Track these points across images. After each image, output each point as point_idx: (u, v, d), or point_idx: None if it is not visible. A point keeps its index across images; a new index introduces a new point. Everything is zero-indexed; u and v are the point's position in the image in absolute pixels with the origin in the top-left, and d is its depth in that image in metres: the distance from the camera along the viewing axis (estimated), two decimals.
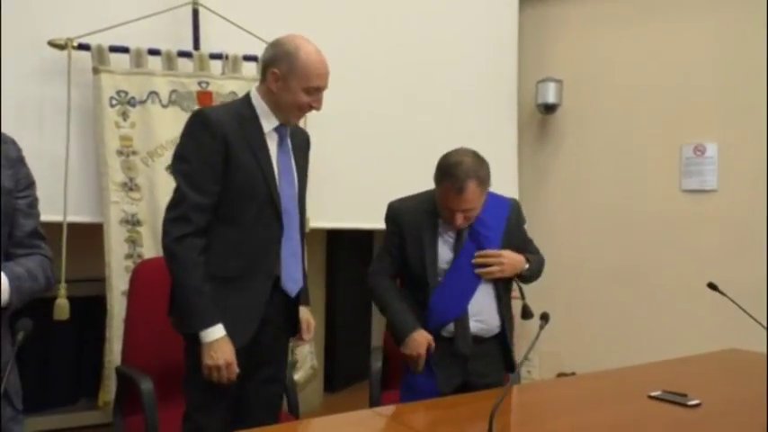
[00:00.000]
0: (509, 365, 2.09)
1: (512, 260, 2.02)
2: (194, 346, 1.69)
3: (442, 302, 1.97)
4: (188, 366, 1.77)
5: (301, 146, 1.92)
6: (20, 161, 1.40)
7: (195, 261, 1.66)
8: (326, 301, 3.93)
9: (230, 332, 1.69)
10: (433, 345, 1.93)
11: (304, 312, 1.94)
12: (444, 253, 2.00)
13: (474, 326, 1.99)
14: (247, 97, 1.80)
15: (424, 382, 1.94)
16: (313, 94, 1.74)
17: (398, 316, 1.99)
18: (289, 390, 2.32)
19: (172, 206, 1.70)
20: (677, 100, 3.59)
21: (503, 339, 2.08)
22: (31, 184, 1.42)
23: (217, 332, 1.66)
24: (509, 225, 2.09)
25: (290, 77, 1.71)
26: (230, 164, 1.69)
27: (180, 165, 1.72)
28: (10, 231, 1.35)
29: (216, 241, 1.71)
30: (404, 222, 2.02)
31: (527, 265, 2.07)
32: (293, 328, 1.93)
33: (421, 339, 1.92)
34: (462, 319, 1.97)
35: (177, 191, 1.70)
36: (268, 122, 1.77)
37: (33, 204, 1.42)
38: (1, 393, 1.11)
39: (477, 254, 1.98)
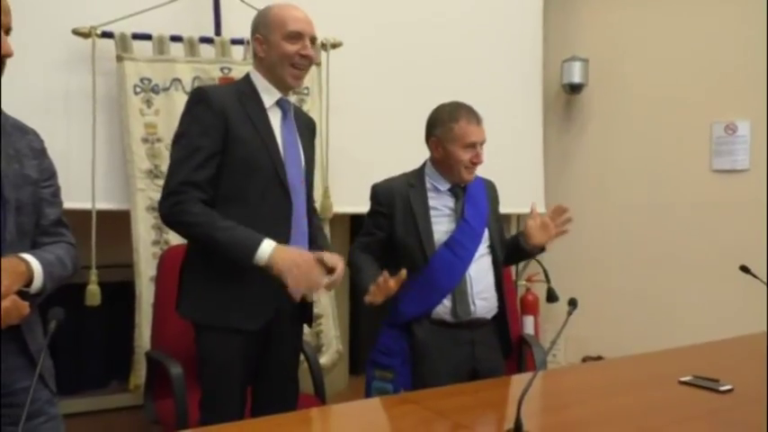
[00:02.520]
0: (506, 350, 2.08)
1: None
2: (205, 335, 1.69)
3: (440, 273, 1.95)
4: (200, 356, 1.75)
5: (308, 128, 1.90)
6: (43, 152, 1.43)
7: (203, 212, 1.62)
8: (350, 284, 3.94)
9: (245, 317, 1.66)
10: (390, 280, 1.82)
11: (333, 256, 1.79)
12: (438, 225, 1.99)
13: (479, 305, 1.97)
14: (246, 76, 1.80)
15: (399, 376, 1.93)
16: (296, 40, 1.71)
17: (361, 275, 1.95)
18: (315, 373, 2.35)
19: (164, 185, 1.69)
20: (707, 77, 3.49)
21: (501, 322, 2.07)
22: (53, 174, 1.45)
23: (268, 245, 1.59)
24: (491, 202, 2.10)
25: (269, 34, 1.71)
26: (230, 139, 1.66)
27: (175, 141, 1.71)
28: (36, 221, 1.37)
29: None
30: (395, 197, 2.00)
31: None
32: (304, 316, 1.91)
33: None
34: (461, 288, 1.95)
35: (168, 170, 1.68)
36: (269, 97, 1.75)
37: (57, 194, 1.45)
38: (35, 378, 1.13)
39: (557, 206, 2.02)
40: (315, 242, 1.85)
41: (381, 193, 2.03)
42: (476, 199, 2.05)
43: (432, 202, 2.00)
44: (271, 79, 1.75)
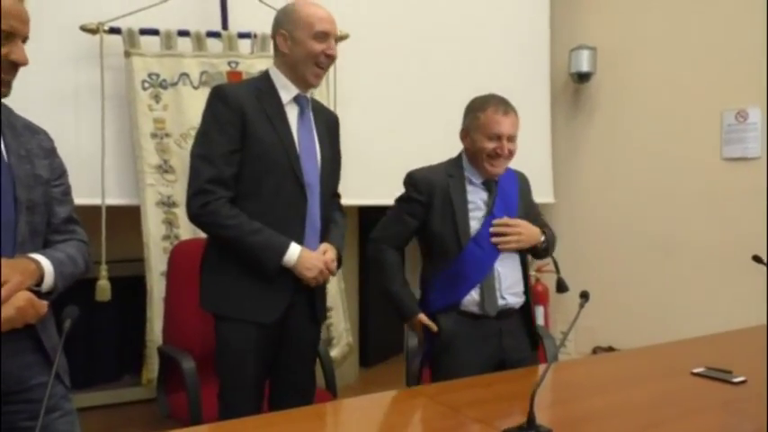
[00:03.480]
0: (533, 340, 2.08)
1: (528, 231, 2.00)
2: (222, 325, 1.72)
3: (469, 265, 1.95)
4: (218, 348, 1.78)
5: (329, 125, 1.91)
6: (53, 151, 1.44)
7: (232, 214, 1.67)
8: (360, 277, 3.95)
9: (259, 310, 1.70)
10: (430, 325, 1.96)
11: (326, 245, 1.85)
12: (473, 221, 1.98)
13: (508, 299, 1.98)
14: (266, 72, 1.82)
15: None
16: (322, 40, 1.73)
17: (400, 296, 2.01)
18: (326, 367, 2.36)
19: (189, 184, 1.72)
20: (717, 64, 3.44)
21: (526, 313, 2.07)
22: (63, 173, 1.46)
23: (294, 249, 1.70)
24: (522, 195, 2.08)
25: (295, 31, 1.73)
26: (248, 135, 1.69)
27: (196, 139, 1.75)
28: (48, 220, 1.38)
29: None
30: (435, 186, 1.98)
31: (543, 238, 2.04)
32: (318, 314, 1.92)
33: (418, 323, 1.99)
34: (489, 282, 1.95)
35: (191, 167, 1.72)
36: (287, 93, 1.77)
37: (67, 192, 1.46)
38: (52, 374, 1.14)
39: (494, 222, 1.95)
40: (326, 234, 1.86)
41: (421, 182, 2.00)
42: (507, 194, 2.03)
43: (469, 196, 1.99)
44: (291, 76, 1.77)
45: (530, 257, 2.14)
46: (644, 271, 3.66)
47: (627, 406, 1.49)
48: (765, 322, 2.24)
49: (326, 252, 1.79)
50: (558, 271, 2.85)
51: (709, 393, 1.56)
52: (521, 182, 2.11)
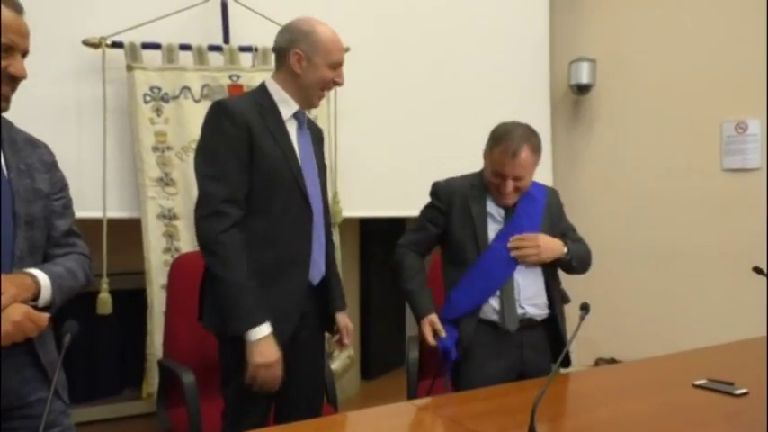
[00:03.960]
0: (557, 354, 2.06)
1: (548, 244, 2.00)
2: (231, 346, 1.65)
3: (492, 263, 1.97)
4: (225, 367, 1.74)
5: (318, 139, 1.92)
6: (54, 165, 1.44)
7: (238, 256, 1.61)
8: (360, 289, 3.95)
9: (273, 327, 1.64)
10: (440, 329, 1.97)
11: (342, 318, 1.93)
12: (491, 230, 2.01)
13: (528, 310, 1.98)
14: (263, 87, 1.79)
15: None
16: (335, 68, 1.76)
17: (416, 295, 2.05)
18: (327, 380, 2.35)
19: (200, 204, 1.65)
20: (716, 75, 3.46)
21: (553, 326, 2.05)
22: (64, 186, 1.46)
23: (265, 329, 1.61)
24: (549, 211, 2.09)
25: (313, 55, 1.72)
26: (255, 152, 1.65)
27: (202, 157, 1.67)
28: (48, 233, 1.39)
29: (248, 234, 1.66)
30: (455, 195, 2.04)
31: (565, 249, 2.03)
32: (325, 322, 1.92)
33: (427, 324, 2.00)
34: (508, 291, 1.95)
35: (202, 186, 1.66)
36: (287, 109, 1.75)
37: (68, 205, 1.46)
38: (51, 391, 1.14)
39: (512, 238, 1.97)
40: (333, 293, 1.90)
41: (442, 190, 2.08)
42: (527, 213, 2.04)
43: (489, 208, 2.03)
44: (296, 94, 1.76)
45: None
46: (646, 282, 3.66)
47: (629, 418, 1.48)
48: (766, 333, 2.23)
49: (348, 328, 1.92)
50: (559, 282, 2.82)
51: (710, 405, 1.56)
52: (549, 197, 2.12)
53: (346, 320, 1.94)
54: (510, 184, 1.93)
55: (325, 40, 1.73)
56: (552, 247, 2.00)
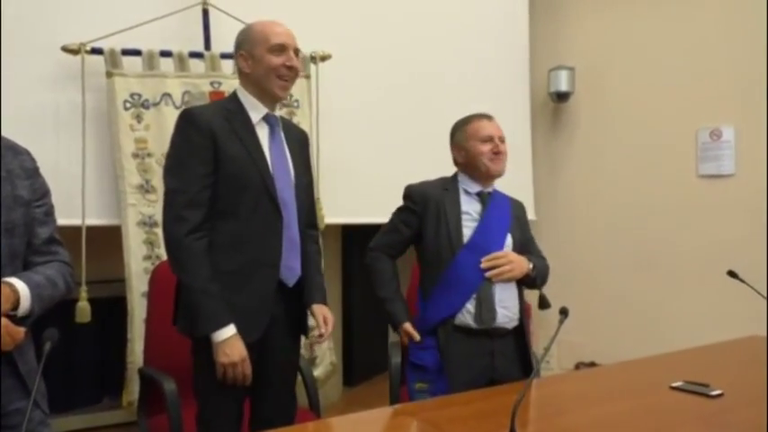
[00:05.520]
0: (525, 365, 2.07)
1: (518, 260, 2.03)
2: (202, 347, 1.68)
3: (463, 271, 1.98)
4: (196, 368, 1.76)
5: (299, 141, 1.93)
6: (35, 172, 1.43)
7: (199, 261, 1.65)
8: (343, 295, 3.95)
9: (241, 328, 1.67)
10: (414, 335, 2.00)
11: (321, 309, 1.90)
12: (467, 229, 2.03)
13: (501, 312, 1.98)
14: (234, 93, 1.83)
15: (432, 375, 1.96)
16: (280, 53, 1.75)
17: (390, 304, 2.06)
18: (309, 386, 2.34)
19: (165, 208, 1.70)
20: (692, 84, 3.54)
21: (521, 336, 2.07)
22: (46, 193, 1.45)
23: (228, 331, 1.65)
24: (518, 221, 2.13)
25: (253, 49, 1.76)
26: (220, 157, 1.68)
27: (168, 164, 1.73)
28: (28, 240, 1.37)
29: (217, 237, 1.69)
30: (429, 197, 2.05)
31: (531, 265, 2.07)
32: (300, 327, 1.91)
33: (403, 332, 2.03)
34: (484, 292, 1.97)
35: (167, 192, 1.70)
36: (256, 113, 1.78)
37: (49, 212, 1.45)
38: (31, 400, 1.13)
39: (484, 258, 1.99)
40: (306, 259, 1.86)
41: (416, 192, 2.10)
42: (499, 206, 2.10)
43: (463, 207, 2.05)
44: (258, 94, 1.78)
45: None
46: (625, 286, 3.71)
47: (607, 421, 1.50)
48: (741, 336, 2.28)
49: (326, 319, 1.86)
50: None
51: (687, 407, 1.59)
52: (515, 206, 2.17)
53: (324, 311, 1.89)
54: (500, 145, 2.04)
55: (257, 30, 1.77)
56: (521, 264, 2.04)
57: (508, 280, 2.01)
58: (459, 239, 2.00)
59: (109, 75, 2.68)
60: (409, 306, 2.12)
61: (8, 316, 1.24)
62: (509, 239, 2.06)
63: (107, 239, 2.75)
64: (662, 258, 3.58)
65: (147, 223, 2.71)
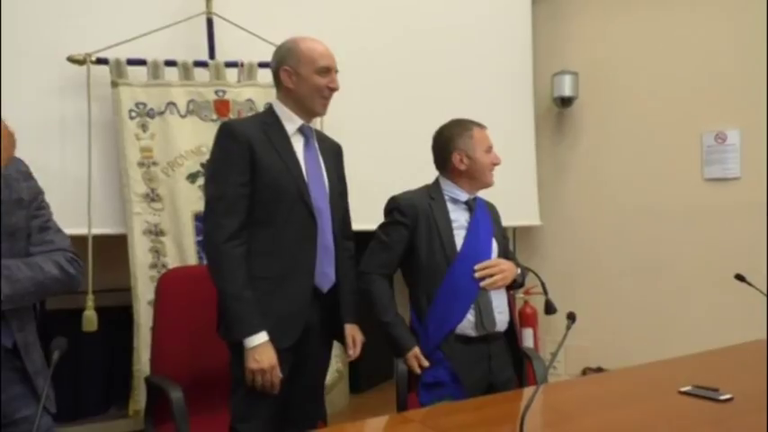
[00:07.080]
0: (516, 364, 2.10)
1: (509, 267, 2.05)
2: (240, 356, 1.71)
3: (461, 281, 1.98)
4: (234, 377, 1.78)
5: (333, 152, 1.99)
6: (29, 174, 1.48)
7: (234, 268, 1.70)
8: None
9: (277, 333, 1.71)
10: (424, 362, 1.98)
11: (352, 329, 1.95)
12: (458, 238, 2.03)
13: (498, 318, 2.01)
14: (270, 107, 1.91)
15: (449, 388, 1.95)
16: (325, 74, 1.83)
17: (393, 330, 2.03)
18: None
19: (205, 216, 1.77)
20: (696, 87, 3.54)
21: (511, 336, 2.10)
22: (40, 192, 1.49)
23: (260, 338, 1.69)
24: (497, 223, 2.16)
25: (299, 67, 1.82)
26: (257, 166, 1.75)
27: (208, 174, 1.83)
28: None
29: (255, 244, 1.75)
30: (418, 209, 2.02)
31: (518, 270, 2.09)
32: (332, 333, 1.95)
33: (412, 358, 2.00)
34: (483, 299, 1.98)
35: (207, 201, 1.77)
36: (291, 124, 1.85)
37: (41, 206, 1.48)
38: (40, 408, 1.13)
39: (476, 267, 2.00)
40: (341, 273, 1.91)
41: (405, 206, 2.04)
42: (483, 212, 2.12)
43: (451, 215, 2.04)
44: (297, 108, 1.85)
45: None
46: (631, 291, 3.70)
47: (616, 426, 1.49)
48: (750, 339, 2.26)
49: (355, 341, 1.94)
50: (545, 293, 2.87)
51: (696, 412, 1.57)
52: (489, 209, 2.18)
53: (355, 331, 1.96)
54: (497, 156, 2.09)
55: (306, 50, 1.83)
56: (512, 270, 2.06)
57: (500, 287, 2.02)
58: (453, 250, 2.00)
59: (114, 84, 2.69)
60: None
61: None
62: (494, 245, 2.07)
63: (113, 248, 2.76)
64: (668, 262, 3.57)
65: (152, 232, 2.71)
